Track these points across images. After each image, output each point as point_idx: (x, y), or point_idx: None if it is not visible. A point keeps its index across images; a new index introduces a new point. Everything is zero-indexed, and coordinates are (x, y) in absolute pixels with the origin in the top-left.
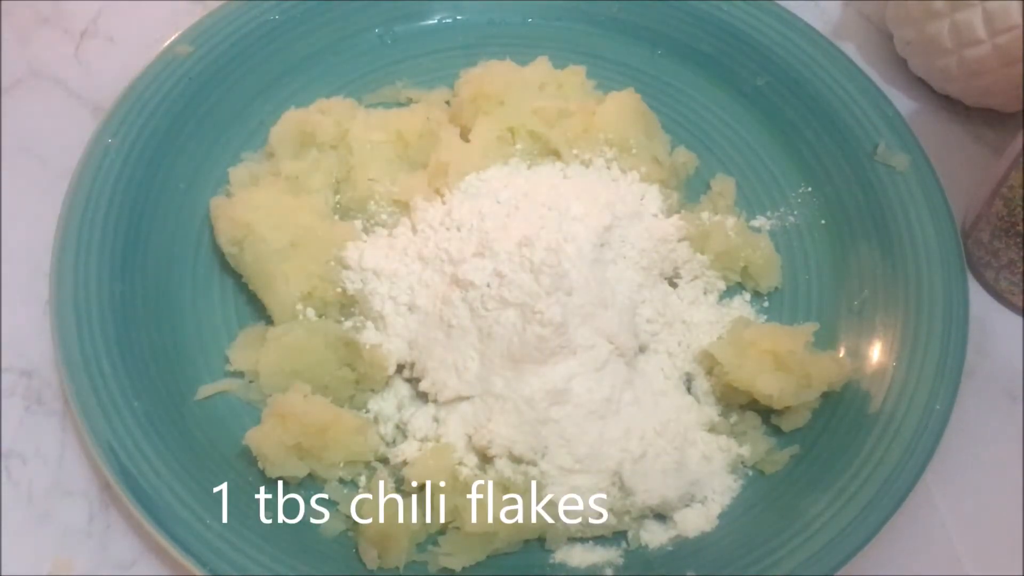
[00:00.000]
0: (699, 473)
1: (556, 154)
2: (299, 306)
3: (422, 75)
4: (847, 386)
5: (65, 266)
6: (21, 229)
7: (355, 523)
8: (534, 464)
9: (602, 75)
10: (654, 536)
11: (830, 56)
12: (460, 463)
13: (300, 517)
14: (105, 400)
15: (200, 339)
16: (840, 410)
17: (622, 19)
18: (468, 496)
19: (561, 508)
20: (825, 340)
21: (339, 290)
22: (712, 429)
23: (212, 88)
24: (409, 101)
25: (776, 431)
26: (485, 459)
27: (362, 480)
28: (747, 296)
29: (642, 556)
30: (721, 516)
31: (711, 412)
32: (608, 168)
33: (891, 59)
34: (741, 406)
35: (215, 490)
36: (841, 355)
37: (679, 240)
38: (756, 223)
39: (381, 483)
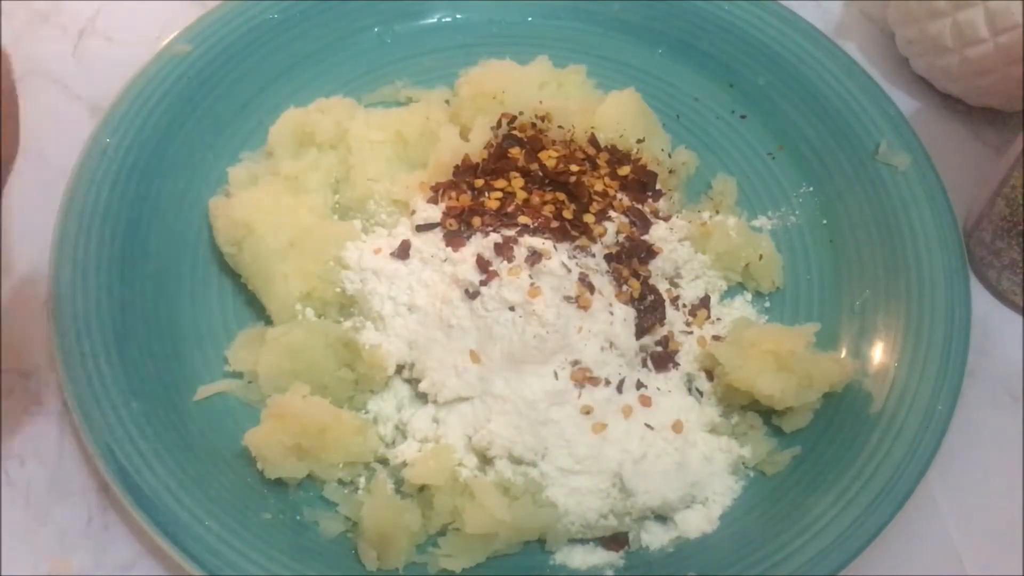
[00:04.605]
0: (700, 474)
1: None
2: (298, 306)
3: (422, 74)
4: (849, 387)
5: (63, 266)
6: (19, 229)
7: (354, 524)
8: (534, 465)
9: (603, 74)
10: (655, 537)
11: (832, 55)
12: (460, 464)
13: (299, 518)
14: (103, 401)
15: (199, 339)
16: (842, 411)
17: (623, 18)
18: (468, 497)
19: (561, 509)
20: (826, 340)
21: (338, 290)
22: (713, 430)
23: (211, 87)
24: (409, 100)
25: (777, 432)
26: (485, 460)
27: (361, 481)
28: (748, 296)
29: (643, 557)
30: (722, 517)
31: (712, 413)
32: None
33: (893, 58)
34: (742, 407)
35: (214, 491)
36: (843, 356)
37: (680, 240)
38: (757, 223)
39: (381, 484)
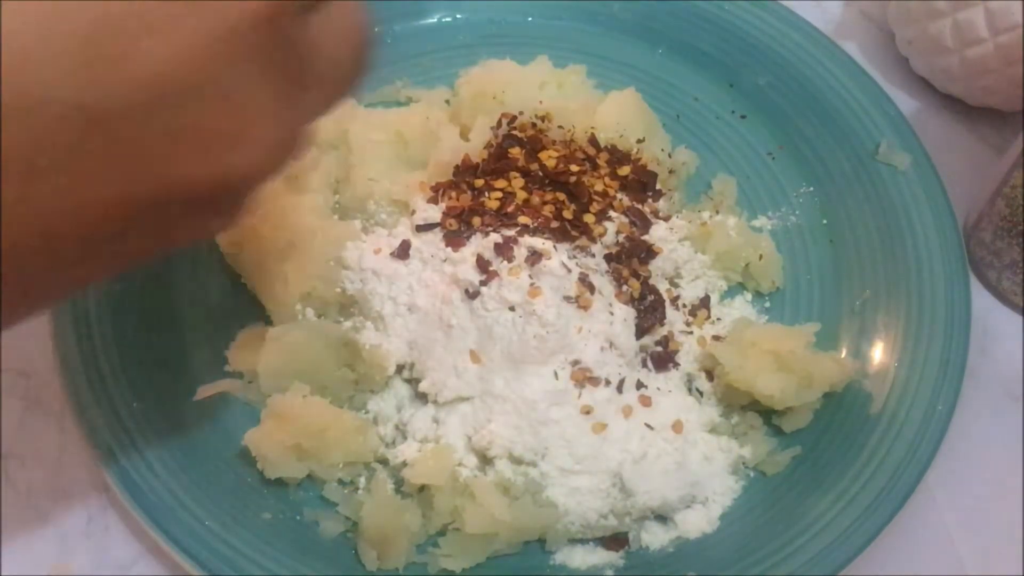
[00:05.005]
0: (700, 474)
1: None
2: (298, 306)
3: (422, 74)
4: (849, 387)
5: None
6: None
7: (354, 524)
8: (534, 465)
9: (602, 74)
10: (655, 537)
11: (832, 55)
12: (460, 464)
13: (299, 518)
14: (104, 401)
15: (199, 339)
16: (842, 411)
17: (623, 18)
18: (468, 497)
19: (561, 509)
20: (827, 340)
21: (338, 290)
22: (713, 430)
23: None
24: (409, 100)
25: (777, 432)
26: (485, 460)
27: (361, 481)
28: (748, 296)
29: (643, 557)
30: (722, 517)
31: (712, 412)
32: None
33: (893, 58)
34: (742, 407)
35: (214, 491)
36: (843, 355)
37: (680, 240)
38: (757, 223)
39: (381, 484)
